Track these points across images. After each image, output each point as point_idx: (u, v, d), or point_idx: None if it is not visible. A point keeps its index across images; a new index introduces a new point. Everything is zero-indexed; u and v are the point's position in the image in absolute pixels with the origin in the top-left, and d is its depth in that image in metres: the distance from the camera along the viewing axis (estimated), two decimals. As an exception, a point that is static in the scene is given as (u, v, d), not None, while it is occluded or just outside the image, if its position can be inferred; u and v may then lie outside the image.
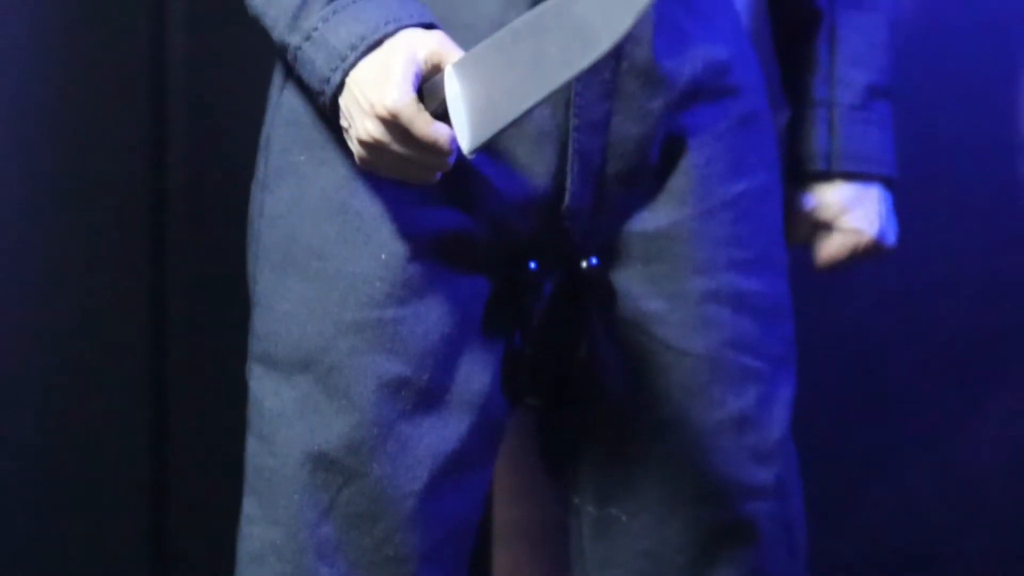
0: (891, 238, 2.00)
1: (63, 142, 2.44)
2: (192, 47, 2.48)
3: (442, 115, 1.55)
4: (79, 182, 2.47)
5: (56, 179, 2.45)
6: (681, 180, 1.78)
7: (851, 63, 1.96)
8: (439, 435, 1.72)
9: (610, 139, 1.72)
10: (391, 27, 1.58)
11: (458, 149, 1.54)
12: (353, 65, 1.58)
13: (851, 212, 1.96)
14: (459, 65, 1.53)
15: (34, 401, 2.47)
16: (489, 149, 1.54)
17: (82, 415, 2.53)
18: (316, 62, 1.60)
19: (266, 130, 1.79)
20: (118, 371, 2.58)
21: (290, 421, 1.71)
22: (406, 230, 1.69)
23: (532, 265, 1.76)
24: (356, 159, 1.62)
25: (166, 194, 2.56)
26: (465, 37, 1.63)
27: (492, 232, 1.73)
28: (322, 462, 1.69)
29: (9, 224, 2.40)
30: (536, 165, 1.71)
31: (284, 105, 1.75)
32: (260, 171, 1.79)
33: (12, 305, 2.42)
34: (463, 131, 1.52)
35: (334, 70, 1.59)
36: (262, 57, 1.87)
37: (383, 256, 1.68)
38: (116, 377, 2.58)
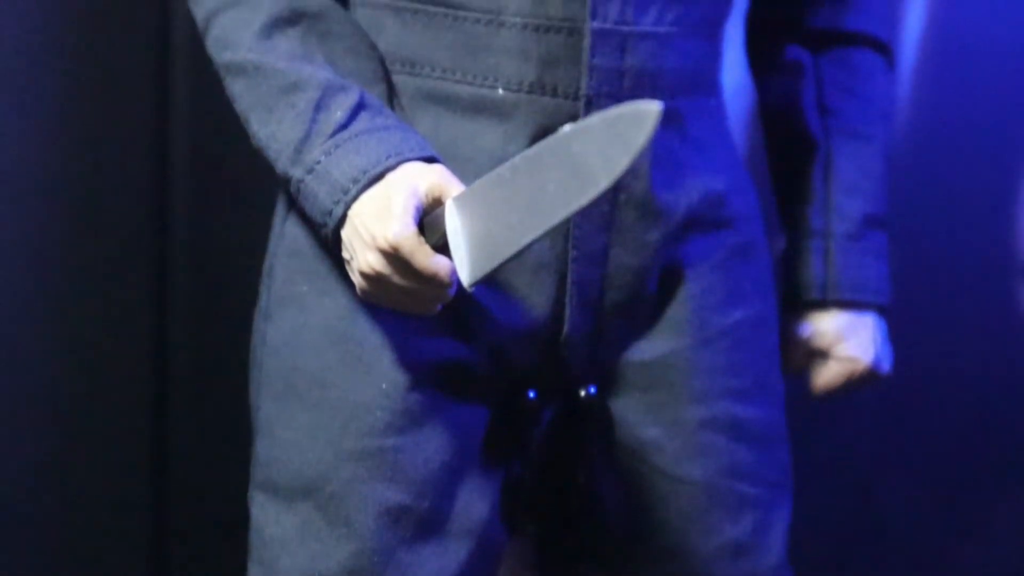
0: (886, 366, 2.02)
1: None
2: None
3: (443, 248, 1.57)
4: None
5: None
6: (678, 310, 1.81)
7: (846, 193, 1.98)
8: (439, 563, 1.73)
9: (608, 270, 1.75)
10: (392, 161, 1.61)
11: (458, 282, 1.56)
12: (355, 198, 1.61)
13: (846, 340, 1.98)
14: (459, 199, 1.56)
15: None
16: (489, 280, 1.56)
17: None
18: (319, 195, 1.63)
19: (269, 260, 1.82)
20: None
21: (291, 548, 1.73)
22: (407, 360, 1.71)
23: (531, 394, 1.78)
24: (358, 290, 1.64)
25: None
26: (465, 170, 1.66)
27: (491, 361, 1.75)
28: None
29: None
30: (535, 295, 1.73)
31: (287, 235, 1.78)
32: (263, 300, 1.81)
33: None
34: (463, 265, 1.54)
35: (336, 203, 1.62)
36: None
37: (384, 385, 1.70)
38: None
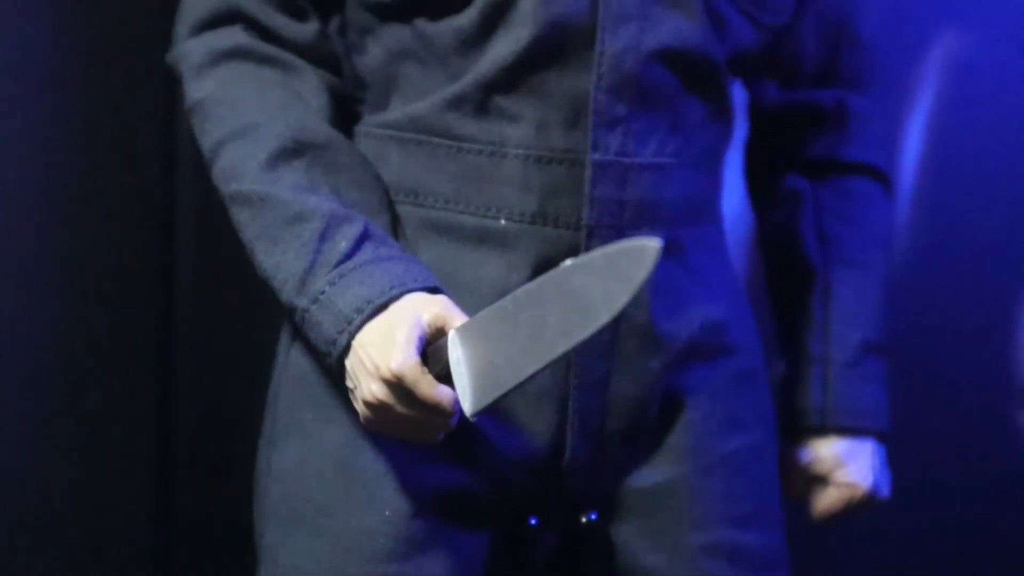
0: (885, 491, 2.03)
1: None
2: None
3: (445, 377, 1.59)
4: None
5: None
6: (679, 437, 1.82)
7: (845, 320, 2.00)
8: None
9: (609, 398, 1.76)
10: (396, 291, 1.64)
11: (461, 411, 1.58)
12: (359, 328, 1.63)
13: (846, 467, 1.99)
14: (462, 330, 1.58)
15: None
16: (491, 410, 1.58)
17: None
18: (323, 324, 1.65)
19: (274, 387, 1.83)
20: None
21: (297, 674, 1.74)
22: (410, 487, 1.72)
23: (532, 520, 1.79)
24: (361, 419, 1.66)
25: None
26: (468, 299, 1.69)
27: (493, 489, 1.76)
28: None
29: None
30: (537, 423, 1.75)
31: (292, 363, 1.80)
32: (267, 427, 1.83)
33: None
34: (466, 395, 1.56)
35: (340, 332, 1.64)
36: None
37: (387, 512, 1.72)
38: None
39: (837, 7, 1.96)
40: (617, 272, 1.45)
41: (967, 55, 2.54)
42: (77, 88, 2.43)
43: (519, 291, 1.54)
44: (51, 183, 2.41)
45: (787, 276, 2.05)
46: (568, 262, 1.50)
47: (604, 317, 1.46)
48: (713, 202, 1.89)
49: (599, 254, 1.48)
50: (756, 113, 2.06)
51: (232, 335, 2.39)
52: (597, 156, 1.71)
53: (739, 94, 1.97)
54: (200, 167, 1.81)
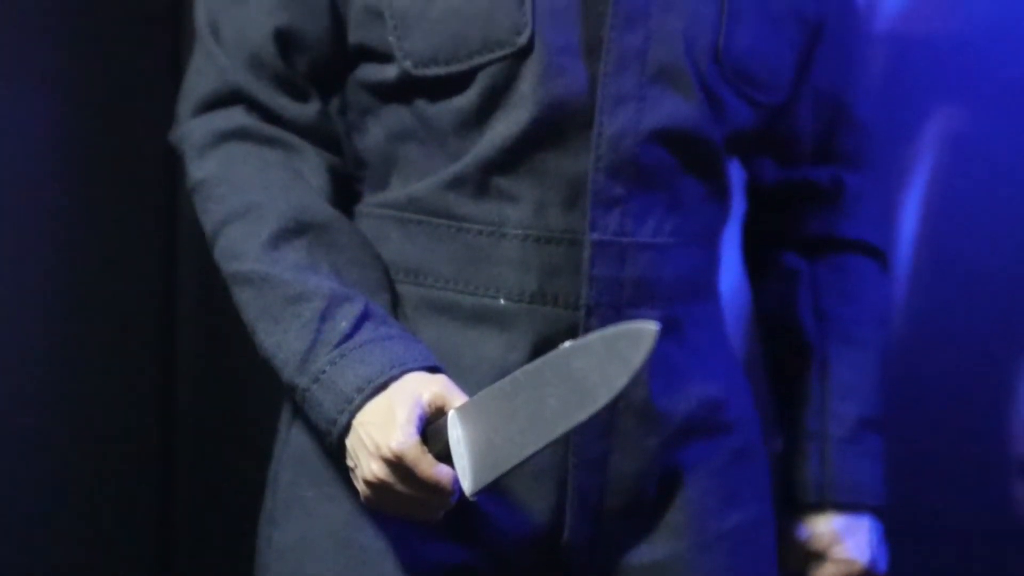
0: (882, 566, 2.03)
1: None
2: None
3: (445, 456, 1.60)
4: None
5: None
6: (677, 514, 1.83)
7: (842, 396, 2.01)
8: None
9: (608, 476, 1.77)
10: (396, 371, 1.65)
11: (460, 490, 1.59)
12: (359, 408, 1.64)
13: (843, 542, 1.99)
14: (462, 410, 1.59)
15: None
16: (490, 488, 1.59)
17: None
18: (324, 404, 1.66)
19: (274, 465, 1.84)
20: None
21: None
22: (410, 565, 1.73)
23: (532, 598, 1.80)
24: (362, 497, 1.67)
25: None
26: (468, 378, 1.70)
27: (493, 566, 1.77)
28: None
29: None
30: (536, 502, 1.76)
31: (292, 442, 1.81)
32: (268, 504, 1.83)
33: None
34: (465, 474, 1.57)
35: (341, 412, 1.65)
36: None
37: None
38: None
39: (833, 86, 1.98)
40: (615, 355, 1.46)
41: (962, 131, 2.55)
42: (80, 160, 2.45)
43: (518, 372, 1.55)
44: (53, 257, 2.43)
45: (784, 352, 2.06)
46: (567, 344, 1.52)
47: (603, 399, 1.48)
48: (711, 279, 1.90)
49: (597, 337, 1.50)
50: (753, 190, 2.07)
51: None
52: (596, 236, 1.73)
53: (736, 171, 1.99)
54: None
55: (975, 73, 2.54)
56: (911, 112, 2.57)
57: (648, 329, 1.46)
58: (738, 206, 2.05)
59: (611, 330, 1.48)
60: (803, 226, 2.05)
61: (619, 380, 1.47)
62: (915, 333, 2.57)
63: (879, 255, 2.07)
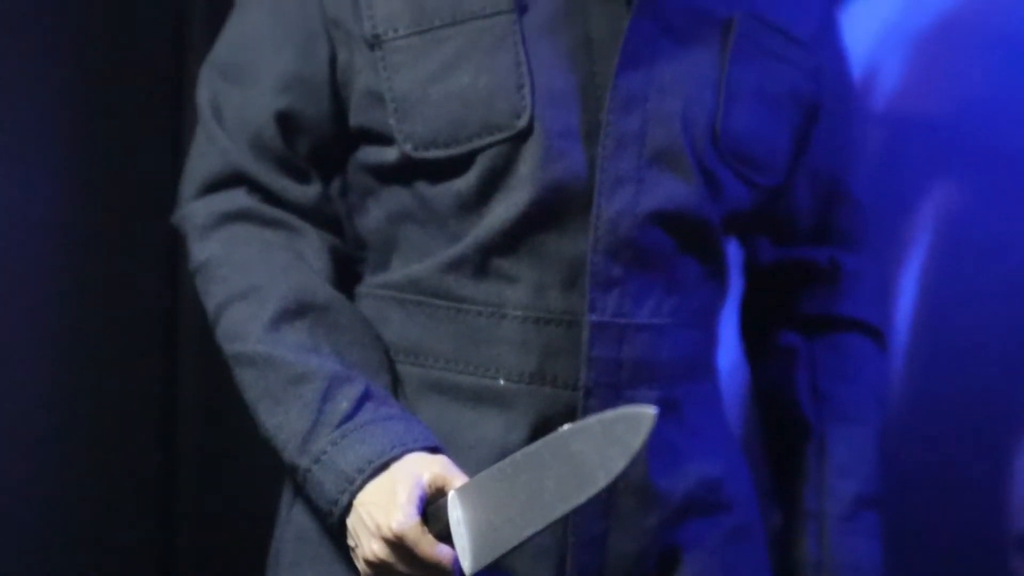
0: (881, 644, 2.03)
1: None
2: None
3: (445, 536, 1.61)
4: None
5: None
6: (676, 592, 1.84)
7: (839, 475, 2.02)
8: None
9: (607, 555, 1.78)
10: (397, 451, 1.66)
11: (460, 570, 1.60)
12: (360, 488, 1.65)
13: (841, 622, 2.00)
14: (462, 491, 1.60)
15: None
16: (490, 569, 1.60)
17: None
18: (325, 484, 1.67)
19: (275, 544, 1.85)
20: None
21: None
22: (410, 643, 1.74)
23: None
24: None
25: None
26: (468, 458, 1.71)
27: (493, 646, 1.77)
28: None
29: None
30: (535, 580, 1.77)
31: (294, 521, 1.82)
32: None
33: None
34: (465, 554, 1.58)
35: (342, 492, 1.66)
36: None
37: None
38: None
39: (830, 166, 2.00)
40: (614, 438, 1.48)
41: (959, 208, 2.57)
42: (82, 241, 2.47)
43: (518, 454, 1.56)
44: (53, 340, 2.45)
45: (782, 430, 2.07)
46: (566, 427, 1.54)
47: (601, 482, 1.49)
48: (709, 359, 1.92)
49: (596, 420, 1.51)
50: (751, 270, 2.09)
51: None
52: (594, 317, 1.75)
53: (734, 250, 2.01)
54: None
55: (971, 151, 2.55)
56: (907, 189, 2.58)
57: (646, 414, 1.47)
58: (736, 285, 2.06)
59: (610, 414, 1.50)
60: (800, 305, 2.07)
61: (617, 464, 1.48)
62: (912, 410, 2.58)
63: (876, 334, 2.09)
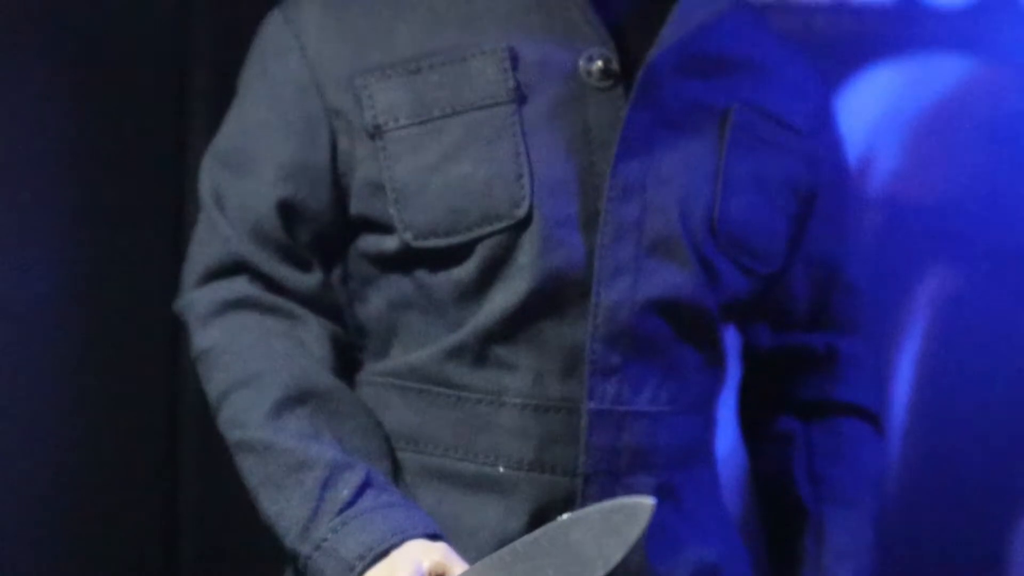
0: None
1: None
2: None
3: (445, 622, 1.62)
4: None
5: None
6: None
7: (837, 558, 2.01)
8: None
9: None
10: (397, 538, 1.67)
11: None
12: (361, 575, 1.66)
13: None
14: None
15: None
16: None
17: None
18: (326, 571, 1.68)
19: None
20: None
21: None
22: None
23: None
24: None
25: None
26: (468, 544, 1.72)
27: None
28: None
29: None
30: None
31: None
32: None
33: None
34: None
35: None
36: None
37: None
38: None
39: (827, 253, 2.02)
40: (612, 528, 1.49)
41: (955, 293, 2.59)
42: (83, 329, 2.49)
43: (517, 543, 1.57)
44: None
45: (780, 514, 2.07)
46: (565, 516, 1.55)
47: (599, 572, 1.50)
48: (707, 445, 1.93)
49: (595, 510, 1.52)
50: (749, 355, 2.10)
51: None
52: (593, 405, 1.76)
53: (732, 336, 2.02)
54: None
55: (967, 235, 2.58)
56: (904, 273, 2.60)
57: (644, 504, 1.49)
58: (734, 370, 2.07)
59: (608, 504, 1.51)
60: (798, 390, 2.07)
61: (615, 554, 1.49)
62: (910, 494, 2.59)
63: (873, 418, 2.09)
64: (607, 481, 1.76)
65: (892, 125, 2.65)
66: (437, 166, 1.76)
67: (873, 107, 2.64)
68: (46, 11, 2.46)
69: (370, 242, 1.82)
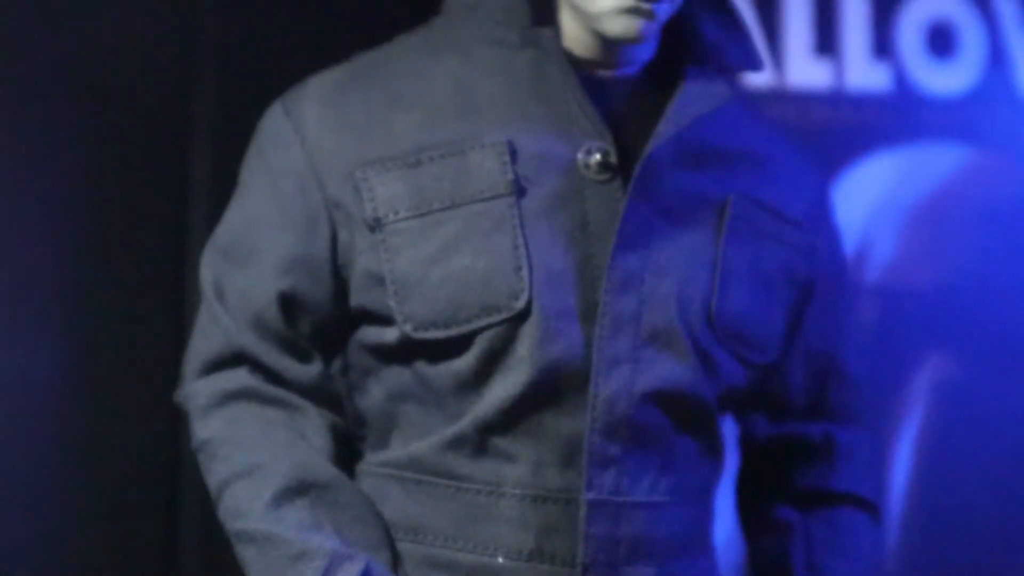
0: None
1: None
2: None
3: None
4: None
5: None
6: None
7: None
8: None
9: None
10: None
11: None
12: None
13: None
14: None
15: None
16: None
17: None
18: None
19: None
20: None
21: None
22: None
23: None
24: None
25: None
26: None
27: None
28: None
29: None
30: None
31: None
32: None
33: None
34: None
35: None
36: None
37: None
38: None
39: (824, 343, 2.02)
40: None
41: (951, 380, 2.60)
42: (83, 422, 2.50)
43: None
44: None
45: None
46: None
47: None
48: (706, 534, 1.93)
49: None
50: (747, 445, 2.10)
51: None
52: (591, 496, 1.76)
53: (730, 426, 2.02)
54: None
55: (962, 323, 2.59)
56: (901, 361, 2.61)
57: None
58: (732, 459, 2.08)
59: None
60: (796, 480, 2.08)
61: None
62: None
63: (871, 507, 2.09)
64: (606, 571, 1.76)
65: (889, 213, 2.67)
66: (437, 258, 1.77)
67: (870, 195, 2.66)
68: (50, 96, 2.48)
69: (370, 333, 1.83)
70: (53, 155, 2.50)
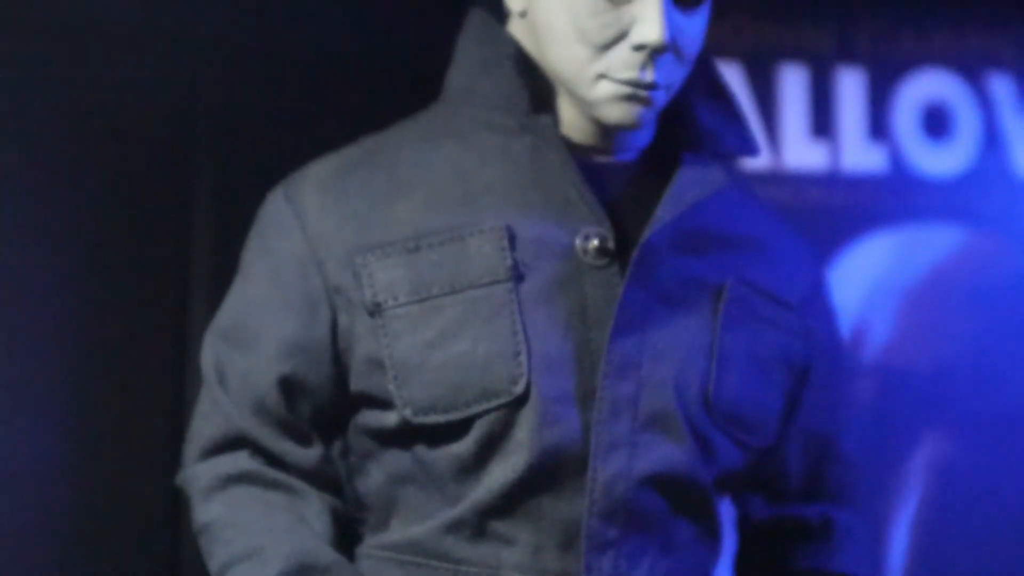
0: None
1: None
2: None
3: None
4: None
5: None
6: None
7: None
8: None
9: None
10: None
11: None
12: None
13: None
14: None
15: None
16: None
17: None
18: None
19: None
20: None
21: None
22: None
23: None
24: None
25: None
26: None
27: None
28: None
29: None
30: None
31: None
32: None
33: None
34: None
35: None
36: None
37: None
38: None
39: (820, 426, 2.03)
40: None
41: (947, 459, 2.60)
42: (84, 503, 2.50)
43: None
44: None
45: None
46: None
47: None
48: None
49: None
50: (744, 527, 2.10)
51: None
52: None
53: (727, 508, 2.03)
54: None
55: (959, 404, 2.60)
56: (898, 442, 2.62)
57: None
58: (730, 541, 2.08)
59: None
60: (794, 561, 2.07)
61: None
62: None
63: (870, 586, 2.10)
64: (604, 647, 1.77)
65: (885, 293, 2.68)
66: (436, 343, 1.78)
67: (866, 275, 2.68)
68: (50, 180, 2.50)
69: (370, 417, 1.84)
70: (54, 242, 2.51)
